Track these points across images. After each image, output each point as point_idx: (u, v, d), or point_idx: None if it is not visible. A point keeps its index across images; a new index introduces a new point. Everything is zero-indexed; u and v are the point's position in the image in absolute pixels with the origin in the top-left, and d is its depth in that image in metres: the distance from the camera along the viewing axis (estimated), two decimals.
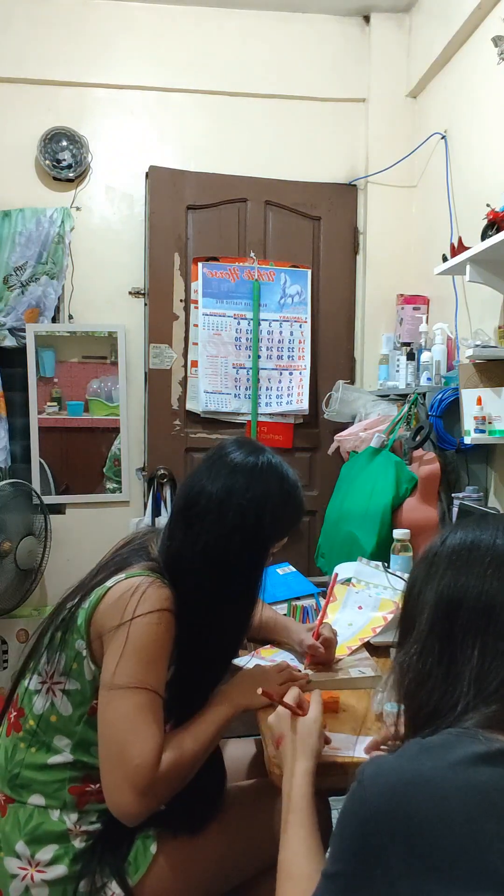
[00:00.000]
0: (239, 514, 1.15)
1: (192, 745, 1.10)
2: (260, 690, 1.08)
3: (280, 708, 1.05)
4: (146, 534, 1.28)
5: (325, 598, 1.57)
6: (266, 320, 2.99)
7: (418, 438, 2.36)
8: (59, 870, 1.08)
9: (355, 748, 1.08)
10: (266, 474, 1.19)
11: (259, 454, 1.21)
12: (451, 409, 2.30)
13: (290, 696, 1.06)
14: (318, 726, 1.02)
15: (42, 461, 2.97)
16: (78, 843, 1.10)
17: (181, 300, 2.96)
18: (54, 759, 1.12)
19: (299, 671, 1.32)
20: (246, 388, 2.97)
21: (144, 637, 1.06)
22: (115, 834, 1.13)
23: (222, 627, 1.18)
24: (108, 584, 1.12)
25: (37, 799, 1.11)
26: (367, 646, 1.51)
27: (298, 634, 1.45)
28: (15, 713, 1.18)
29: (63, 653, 1.13)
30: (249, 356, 2.97)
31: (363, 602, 1.63)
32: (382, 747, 1.00)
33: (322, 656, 1.38)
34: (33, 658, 1.18)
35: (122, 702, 1.05)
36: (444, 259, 2.26)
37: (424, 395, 2.44)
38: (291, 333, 3.02)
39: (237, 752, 1.48)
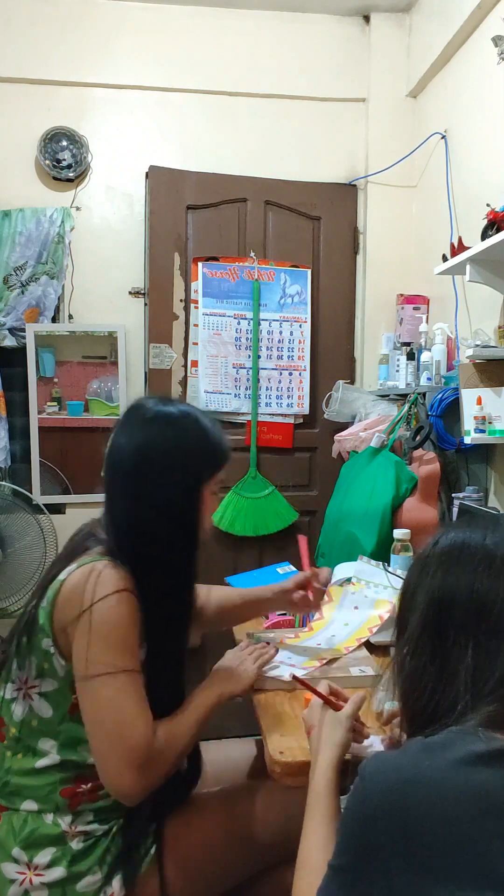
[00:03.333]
0: (161, 462, 1.13)
1: (184, 725, 1.12)
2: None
3: (313, 699, 1.06)
4: (91, 522, 1.26)
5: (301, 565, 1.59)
6: (266, 320, 2.99)
7: (418, 438, 2.36)
8: (58, 872, 1.08)
9: (368, 747, 1.08)
10: (175, 418, 1.17)
11: (168, 404, 1.20)
12: (451, 409, 2.30)
13: (322, 686, 1.07)
14: (348, 721, 1.01)
15: (42, 461, 2.97)
16: (75, 845, 1.10)
17: (181, 300, 2.96)
18: (42, 762, 1.11)
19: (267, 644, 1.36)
20: (246, 388, 2.97)
21: (109, 621, 1.05)
22: (116, 833, 1.13)
23: (174, 580, 1.17)
24: (62, 576, 1.11)
25: (29, 804, 1.11)
26: (367, 645, 1.52)
27: (277, 588, 1.47)
28: None
29: (32, 656, 1.11)
30: (249, 356, 2.97)
31: (359, 602, 1.63)
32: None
33: (314, 593, 1.43)
34: (4, 667, 1.16)
35: (103, 690, 1.04)
36: (444, 259, 2.26)
37: (424, 395, 2.44)
38: (291, 333, 3.02)
39: (237, 752, 1.48)
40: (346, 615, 1.60)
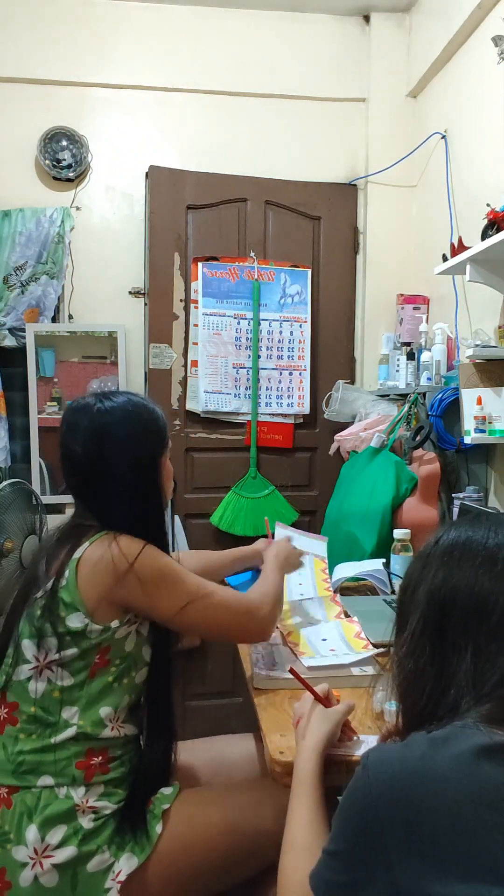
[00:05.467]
0: (120, 454, 1.26)
1: (268, 587, 1.41)
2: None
3: (306, 693, 1.10)
4: (71, 519, 1.35)
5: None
6: (266, 320, 2.99)
7: (418, 438, 2.36)
8: (69, 851, 1.10)
9: (351, 746, 1.09)
10: (115, 408, 1.28)
11: (106, 398, 1.29)
12: (451, 409, 2.30)
13: (321, 687, 1.11)
14: (336, 716, 1.06)
15: (42, 461, 2.97)
16: (86, 823, 1.12)
17: (181, 300, 2.96)
18: (59, 736, 1.15)
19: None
20: (246, 388, 2.97)
21: (163, 565, 1.21)
22: (124, 814, 1.16)
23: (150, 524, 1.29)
24: (76, 555, 1.19)
25: (46, 780, 1.14)
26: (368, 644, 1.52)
27: (259, 546, 1.69)
28: (6, 709, 1.19)
29: (55, 634, 1.16)
30: (249, 356, 2.97)
31: (300, 578, 1.78)
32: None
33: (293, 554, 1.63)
34: (12, 652, 1.21)
35: (205, 605, 1.24)
36: (444, 259, 2.26)
37: (424, 394, 2.44)
38: (291, 333, 3.02)
39: (237, 749, 1.49)
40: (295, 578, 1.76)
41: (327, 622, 1.59)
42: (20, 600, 1.23)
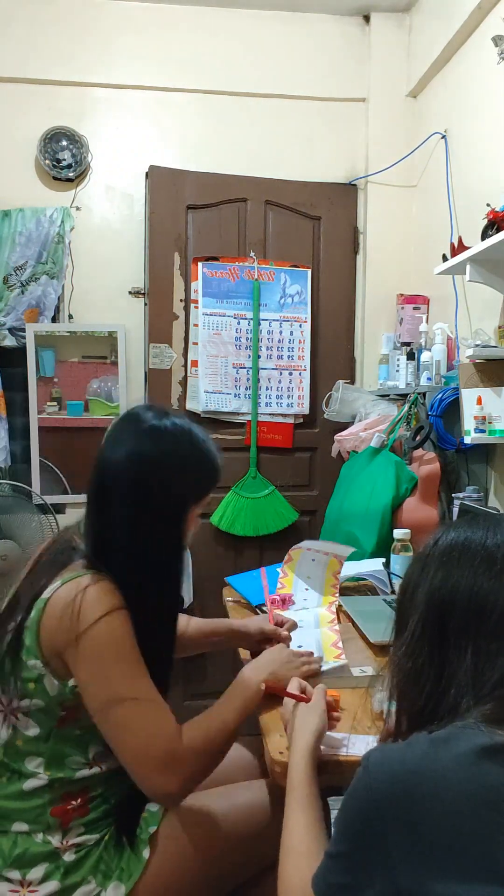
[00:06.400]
0: (150, 478, 1.10)
1: (214, 719, 1.10)
2: (263, 686, 1.11)
3: (286, 698, 1.11)
4: (66, 530, 1.24)
5: (270, 602, 1.67)
6: (266, 320, 2.99)
7: (418, 438, 2.36)
8: (52, 886, 1.06)
9: (349, 746, 1.09)
10: (172, 434, 1.14)
11: (163, 416, 1.15)
12: (451, 409, 2.30)
13: (293, 685, 1.12)
14: (317, 709, 1.06)
15: (42, 461, 2.97)
16: (67, 857, 1.08)
17: (181, 300, 2.96)
18: (29, 784, 1.09)
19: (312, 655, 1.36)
20: (246, 388, 2.97)
21: (112, 644, 1.03)
22: (108, 841, 1.12)
23: (158, 593, 1.14)
24: (45, 595, 1.07)
25: (19, 826, 1.08)
26: (369, 645, 1.52)
27: (256, 625, 1.47)
28: None
29: (16, 679, 1.07)
30: (249, 356, 2.97)
31: (310, 572, 1.73)
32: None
33: (284, 637, 1.43)
34: None
35: (123, 710, 1.03)
36: (444, 259, 2.26)
37: (424, 394, 2.44)
38: (291, 333, 3.02)
39: (237, 751, 1.47)
40: (305, 569, 1.72)
41: (315, 628, 1.57)
42: (6, 629, 1.11)
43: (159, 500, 1.11)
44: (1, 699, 1.10)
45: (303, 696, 1.10)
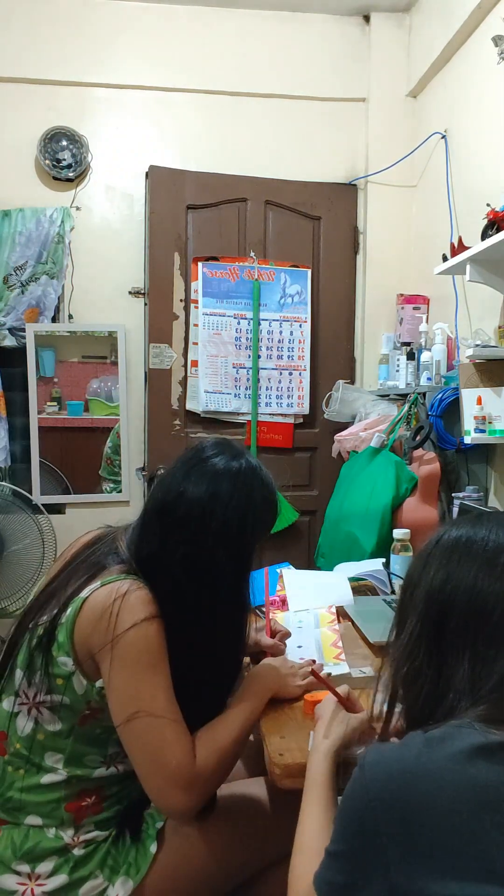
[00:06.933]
0: (223, 521, 1.11)
1: (225, 736, 1.10)
2: (301, 682, 1.14)
3: (329, 695, 1.09)
4: (111, 531, 1.24)
5: (269, 604, 1.60)
6: (266, 320, 2.99)
7: (418, 438, 2.36)
8: (60, 879, 1.07)
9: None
10: (248, 478, 1.16)
11: (239, 458, 1.17)
12: (451, 409, 2.30)
13: (341, 688, 1.10)
14: (356, 724, 1.04)
15: (42, 461, 2.98)
16: (77, 852, 1.09)
17: (181, 300, 2.96)
18: (47, 778, 1.10)
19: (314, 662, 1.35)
20: (246, 388, 2.97)
21: (143, 652, 1.04)
22: (117, 837, 1.13)
23: (215, 635, 1.15)
24: (84, 594, 1.08)
25: (33, 819, 1.10)
26: (369, 645, 1.52)
27: (252, 638, 1.43)
28: None
29: (45, 673, 1.08)
30: (249, 356, 2.97)
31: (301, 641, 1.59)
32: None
33: (281, 650, 1.42)
34: (2, 677, 1.14)
35: (142, 722, 1.03)
36: (444, 259, 2.26)
37: (424, 394, 2.44)
38: (291, 333, 3.02)
39: None
40: (299, 607, 1.66)
41: (314, 628, 1.56)
42: (28, 619, 1.13)
43: (229, 543, 1.13)
44: (27, 692, 1.10)
45: (346, 700, 1.08)
